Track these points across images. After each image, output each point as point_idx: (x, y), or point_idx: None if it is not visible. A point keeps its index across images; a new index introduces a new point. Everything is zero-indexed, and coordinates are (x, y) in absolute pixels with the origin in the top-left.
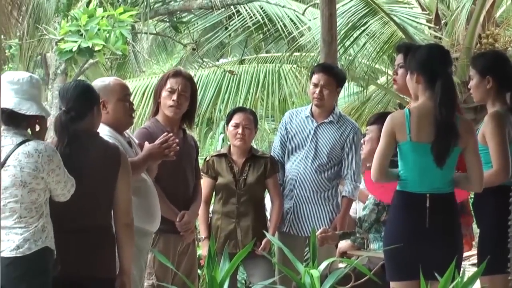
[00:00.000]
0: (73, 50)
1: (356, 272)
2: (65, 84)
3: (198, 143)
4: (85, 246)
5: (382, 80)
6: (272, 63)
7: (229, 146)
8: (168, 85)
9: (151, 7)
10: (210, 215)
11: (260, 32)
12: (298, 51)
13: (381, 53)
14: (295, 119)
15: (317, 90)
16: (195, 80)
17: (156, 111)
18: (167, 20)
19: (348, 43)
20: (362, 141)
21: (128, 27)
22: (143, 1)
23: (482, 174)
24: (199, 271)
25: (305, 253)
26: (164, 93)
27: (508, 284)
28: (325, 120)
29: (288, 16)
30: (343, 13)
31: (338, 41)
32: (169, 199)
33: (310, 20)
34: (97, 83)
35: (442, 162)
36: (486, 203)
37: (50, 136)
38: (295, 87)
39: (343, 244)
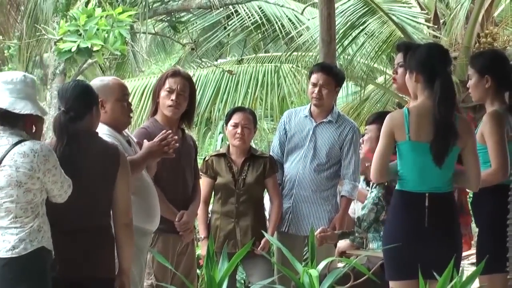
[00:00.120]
0: (72, 50)
1: (355, 271)
2: (64, 84)
3: (197, 143)
4: (85, 246)
5: (380, 79)
6: (271, 62)
7: (228, 146)
8: (166, 85)
9: (150, 7)
10: (209, 215)
11: (258, 31)
12: (297, 51)
13: (380, 53)
14: (294, 118)
15: (316, 89)
16: (194, 80)
17: (155, 111)
18: (166, 20)
19: (346, 42)
20: (361, 140)
21: (127, 27)
22: (142, 1)
23: (480, 174)
24: (198, 271)
25: (304, 253)
26: (163, 93)
27: (507, 283)
28: (324, 120)
29: (287, 16)
30: (342, 12)
31: (336, 41)
32: (168, 199)
33: (309, 19)
34: (96, 82)
35: (441, 161)
36: (485, 202)
37: (49, 136)
38: (294, 87)
39: (342, 243)
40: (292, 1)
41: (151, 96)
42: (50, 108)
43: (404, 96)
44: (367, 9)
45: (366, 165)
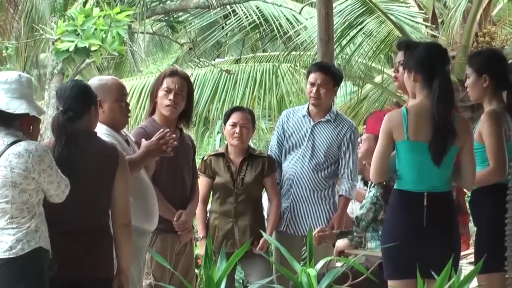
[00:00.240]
0: (70, 50)
1: (354, 271)
2: (62, 84)
3: (195, 142)
4: (83, 246)
5: (378, 79)
6: (269, 62)
7: (227, 146)
8: (164, 85)
9: (148, 6)
10: (207, 215)
11: (256, 31)
12: (295, 50)
13: (378, 52)
14: (292, 118)
15: (314, 89)
16: (192, 80)
17: (152, 111)
18: (164, 20)
19: (344, 42)
20: (359, 140)
21: (124, 27)
22: (140, 0)
23: (475, 174)
24: (196, 271)
25: (303, 252)
26: (161, 93)
27: (505, 283)
28: (322, 119)
29: (285, 15)
30: (340, 12)
31: (334, 40)
32: (167, 199)
33: (306, 19)
34: (94, 81)
35: (439, 161)
36: (483, 201)
37: (48, 136)
38: (292, 86)
39: (341, 243)
40: (290, 1)
41: (149, 96)
42: (48, 108)
43: (402, 95)
44: (365, 8)
45: (364, 163)
